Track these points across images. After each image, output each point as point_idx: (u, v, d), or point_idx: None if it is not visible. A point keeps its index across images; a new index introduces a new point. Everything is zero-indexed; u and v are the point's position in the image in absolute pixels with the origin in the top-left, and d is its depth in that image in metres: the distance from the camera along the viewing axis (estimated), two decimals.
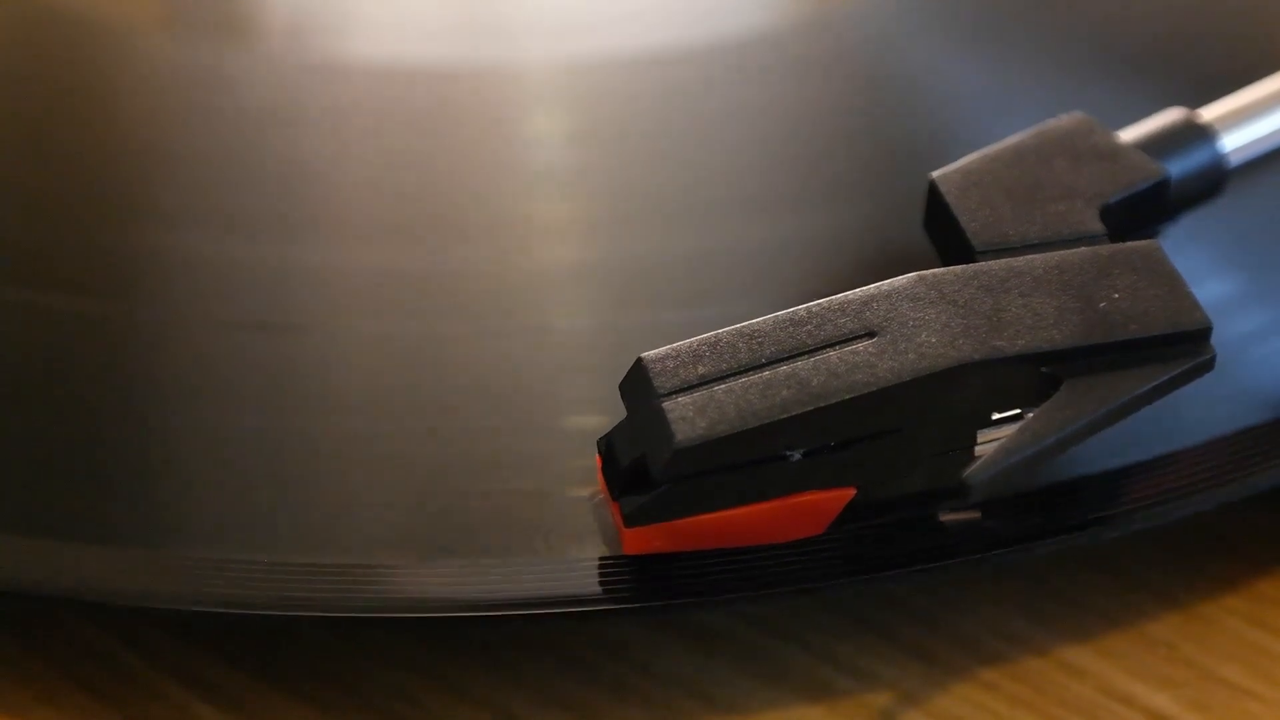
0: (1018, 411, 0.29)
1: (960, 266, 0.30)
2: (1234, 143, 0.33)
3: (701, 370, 0.29)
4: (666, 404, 0.28)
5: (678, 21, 0.42)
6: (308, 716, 0.30)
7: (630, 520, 0.29)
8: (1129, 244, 0.30)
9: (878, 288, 0.29)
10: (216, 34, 0.43)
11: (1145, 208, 0.32)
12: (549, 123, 0.41)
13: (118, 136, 0.40)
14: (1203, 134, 0.33)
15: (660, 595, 0.29)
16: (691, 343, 0.29)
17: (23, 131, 0.40)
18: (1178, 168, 0.33)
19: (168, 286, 0.36)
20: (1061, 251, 0.30)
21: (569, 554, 0.30)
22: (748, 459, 0.28)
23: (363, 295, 0.36)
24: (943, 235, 0.32)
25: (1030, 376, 0.29)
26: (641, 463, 0.28)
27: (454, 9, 0.44)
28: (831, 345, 0.29)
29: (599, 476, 0.29)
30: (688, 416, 0.28)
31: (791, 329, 0.29)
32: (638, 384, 0.29)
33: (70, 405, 0.33)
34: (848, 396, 0.28)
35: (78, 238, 0.37)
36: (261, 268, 0.36)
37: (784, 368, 0.28)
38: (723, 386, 0.28)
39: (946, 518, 0.30)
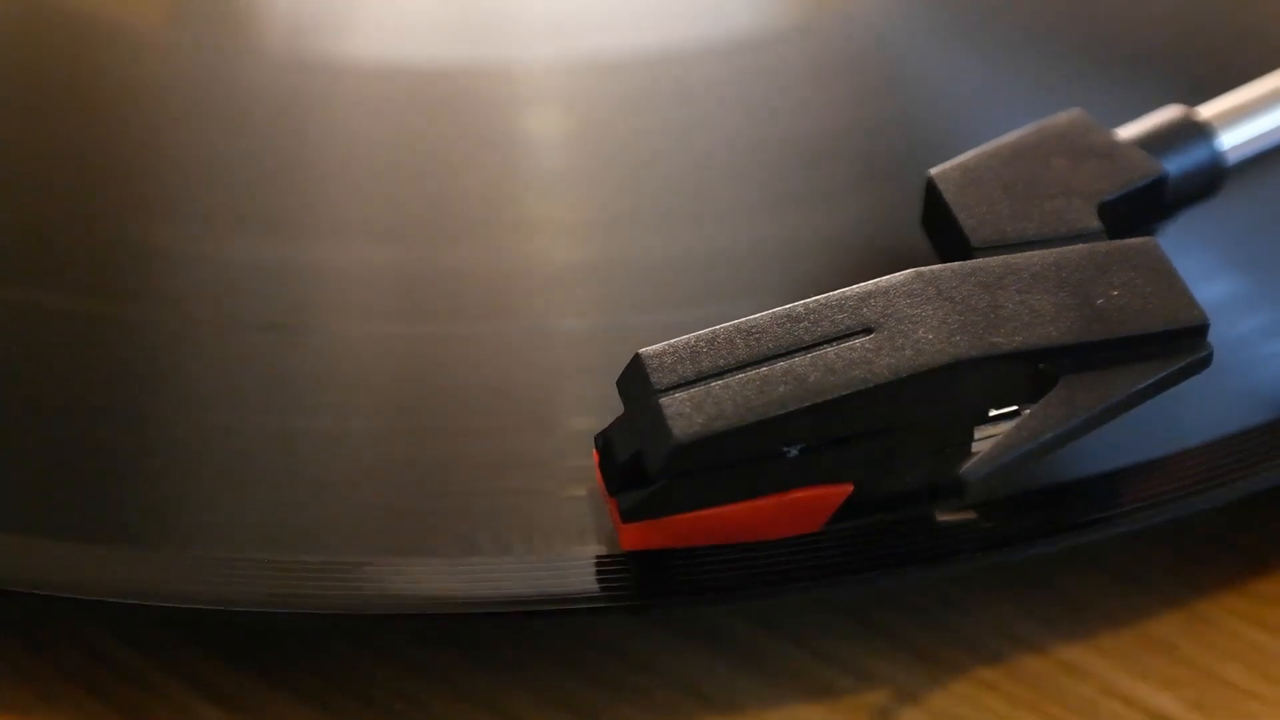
0: (1015, 408, 0.29)
1: (958, 263, 0.30)
2: (1232, 140, 0.33)
3: (699, 366, 0.29)
4: (664, 400, 0.28)
5: (677, 22, 0.42)
6: (308, 716, 0.30)
7: (627, 516, 0.29)
8: (1126, 241, 0.30)
9: (875, 284, 0.29)
10: (217, 32, 0.43)
11: (1143, 205, 0.32)
12: (549, 122, 0.41)
13: (116, 135, 0.40)
14: (1201, 132, 0.33)
15: (658, 592, 0.29)
16: (689, 339, 0.29)
17: (21, 130, 0.40)
18: (1176, 165, 0.33)
19: (167, 285, 0.36)
20: (1059, 249, 0.30)
21: (567, 552, 0.30)
22: (745, 455, 0.28)
23: (361, 294, 0.36)
24: (941, 232, 0.32)
25: (1027, 373, 0.29)
26: (639, 459, 0.28)
27: (454, 8, 0.44)
28: (829, 341, 0.29)
29: (596, 473, 0.29)
30: (685, 412, 0.28)
31: (789, 325, 0.29)
32: (635, 380, 0.29)
33: (71, 405, 0.33)
34: (845, 393, 0.28)
35: (76, 237, 0.37)
36: (260, 267, 0.36)
37: (781, 364, 0.28)
38: (720, 382, 0.28)
39: (946, 516, 0.30)
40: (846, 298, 0.29)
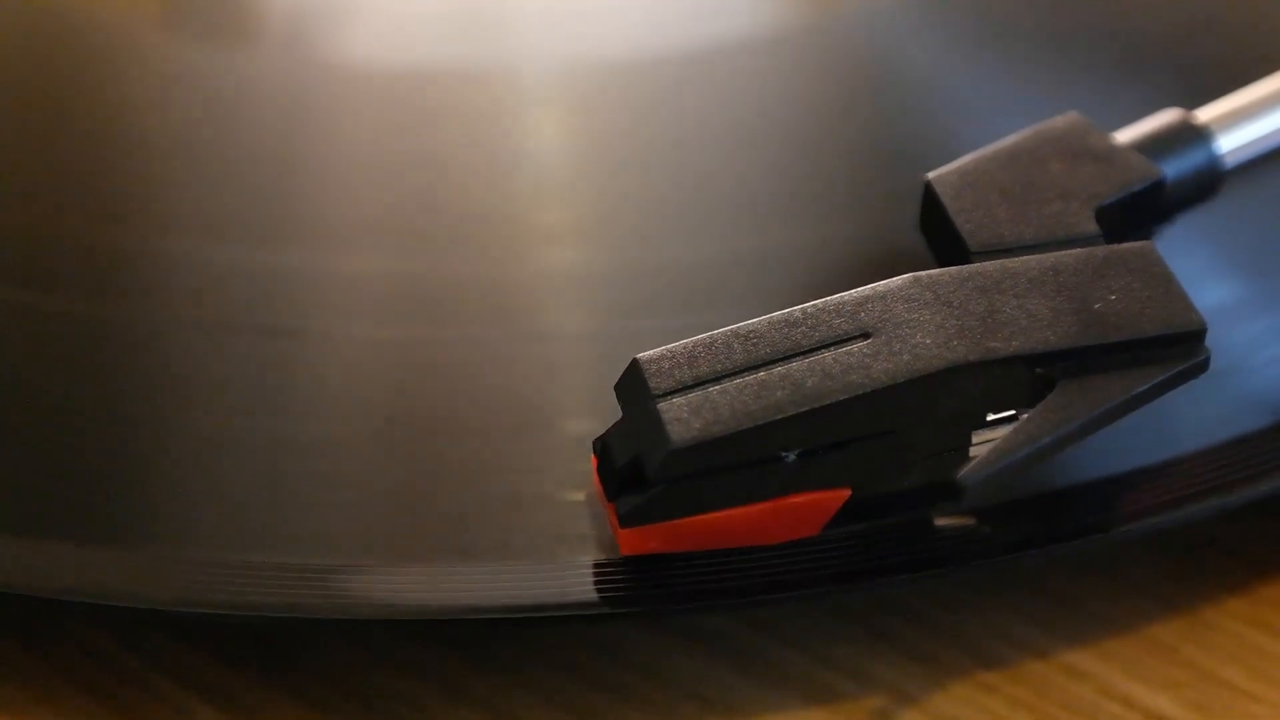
0: (1012, 413, 0.29)
1: (955, 268, 0.30)
2: (1230, 144, 0.33)
3: (696, 371, 0.29)
4: (661, 405, 0.28)
5: (676, 25, 0.42)
6: (307, 718, 0.30)
7: (626, 521, 0.29)
8: (1124, 245, 0.30)
9: (873, 289, 0.29)
10: (215, 34, 0.43)
11: (1141, 209, 0.32)
12: (548, 126, 0.41)
13: (113, 136, 0.40)
14: (1199, 135, 0.33)
15: (656, 597, 0.29)
16: (686, 344, 0.29)
17: (17, 130, 0.40)
18: (1173, 169, 0.33)
19: (165, 287, 0.36)
20: (1056, 253, 0.30)
21: (566, 557, 0.30)
22: (743, 460, 0.28)
23: (360, 298, 0.36)
24: (938, 236, 0.32)
25: (1025, 378, 0.29)
26: (637, 463, 0.28)
27: (454, 10, 0.44)
28: (826, 346, 0.29)
29: (594, 478, 0.29)
30: (682, 417, 0.28)
31: (786, 330, 0.29)
32: (633, 385, 0.29)
33: (69, 405, 0.33)
34: (842, 397, 0.28)
35: (73, 238, 0.37)
36: (257, 271, 0.36)
37: (779, 369, 0.29)
38: (717, 387, 0.28)
39: (944, 521, 0.30)
40: (844, 302, 0.29)
